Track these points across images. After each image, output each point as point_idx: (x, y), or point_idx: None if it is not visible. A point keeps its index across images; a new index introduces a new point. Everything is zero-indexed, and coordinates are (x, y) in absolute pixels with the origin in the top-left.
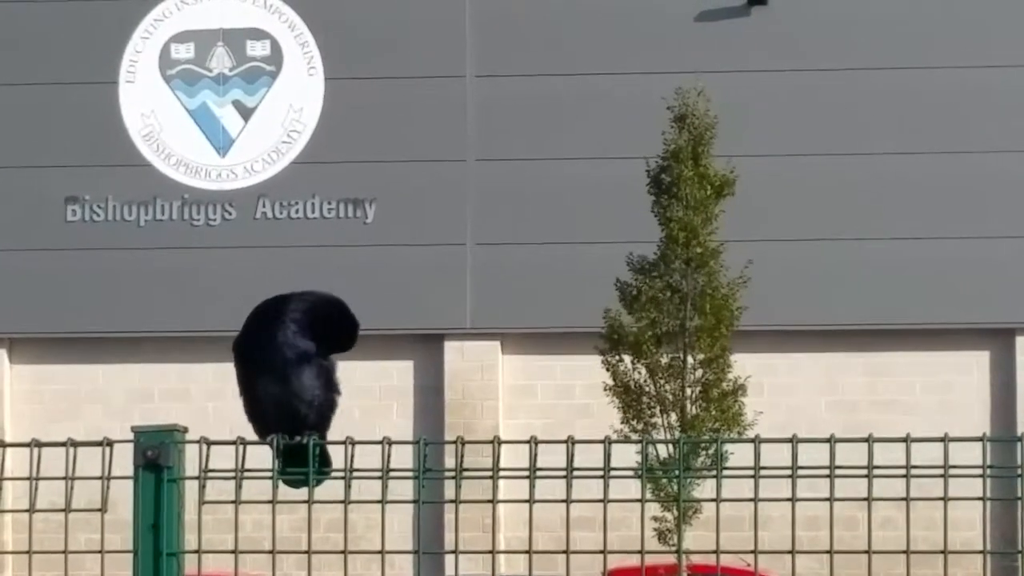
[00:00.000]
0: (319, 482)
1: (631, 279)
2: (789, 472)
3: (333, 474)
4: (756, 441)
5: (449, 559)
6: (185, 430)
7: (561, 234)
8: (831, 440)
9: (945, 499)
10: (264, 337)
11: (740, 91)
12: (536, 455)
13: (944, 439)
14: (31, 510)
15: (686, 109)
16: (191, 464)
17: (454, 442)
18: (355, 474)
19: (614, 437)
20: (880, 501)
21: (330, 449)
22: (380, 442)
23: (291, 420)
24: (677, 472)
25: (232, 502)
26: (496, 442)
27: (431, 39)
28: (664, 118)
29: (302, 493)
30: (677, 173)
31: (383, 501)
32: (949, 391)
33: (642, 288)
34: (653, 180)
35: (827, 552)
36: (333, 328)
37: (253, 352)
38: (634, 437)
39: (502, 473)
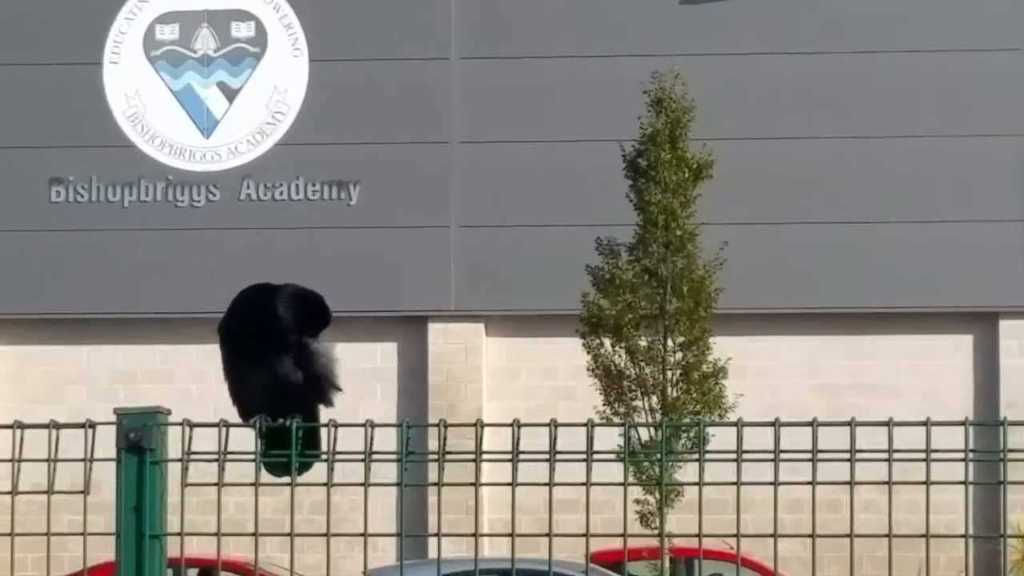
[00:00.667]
0: (304, 467)
1: (602, 263)
2: (772, 456)
3: (317, 456)
4: (739, 425)
5: (432, 541)
6: (168, 412)
7: (545, 216)
8: (813, 424)
9: (927, 483)
10: (249, 322)
11: (722, 74)
12: (519, 438)
13: (926, 423)
14: (13, 492)
15: (663, 93)
16: (174, 446)
17: (437, 425)
18: (338, 457)
19: (597, 420)
20: (863, 485)
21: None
22: (363, 425)
23: (274, 404)
24: (659, 455)
25: (215, 484)
26: (479, 425)
27: (416, 21)
28: (648, 101)
29: (285, 475)
30: (655, 156)
31: (366, 484)
32: (932, 375)
33: (615, 272)
34: (630, 164)
35: (809, 536)
36: (311, 314)
37: (239, 336)
38: (616, 420)
39: (485, 456)
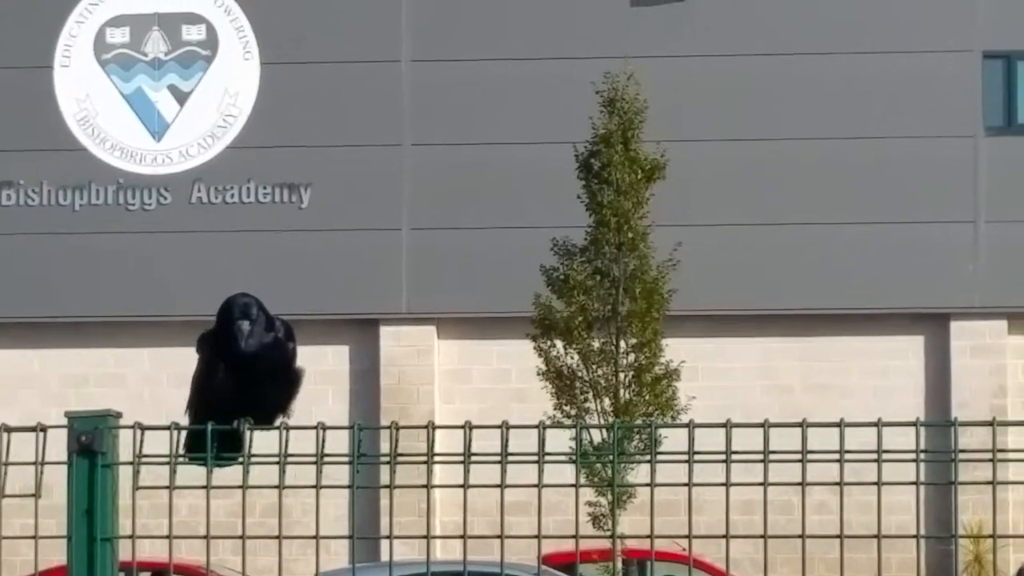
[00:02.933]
0: (221, 466)
1: (557, 263)
2: (723, 457)
3: (268, 459)
4: (690, 426)
5: (384, 543)
6: (119, 415)
7: (497, 219)
8: (765, 425)
9: (879, 483)
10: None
11: (674, 76)
12: (471, 440)
13: (878, 424)
14: None
15: (615, 93)
16: (126, 449)
17: (388, 427)
18: (289, 459)
19: (548, 422)
20: (815, 485)
21: (264, 435)
22: (315, 427)
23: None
24: (611, 457)
25: (166, 487)
26: (430, 427)
27: (366, 24)
28: (600, 102)
29: (237, 478)
30: (607, 158)
31: (317, 486)
32: (884, 375)
33: (569, 273)
34: (583, 165)
35: (761, 537)
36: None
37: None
38: (568, 422)
39: (437, 458)
